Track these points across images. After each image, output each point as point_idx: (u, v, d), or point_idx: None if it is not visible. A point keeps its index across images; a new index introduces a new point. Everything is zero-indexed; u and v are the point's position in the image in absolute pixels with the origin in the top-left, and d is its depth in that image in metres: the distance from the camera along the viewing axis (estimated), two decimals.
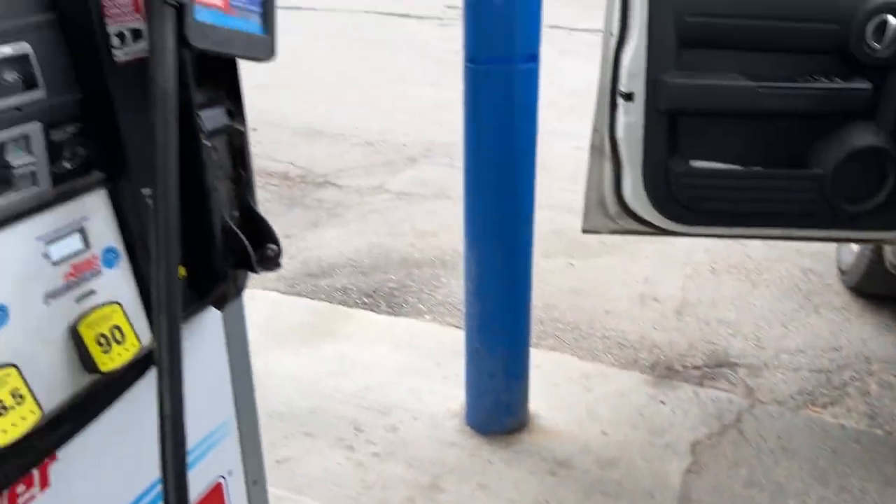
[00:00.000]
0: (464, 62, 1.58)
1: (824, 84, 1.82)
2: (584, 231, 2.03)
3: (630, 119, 1.83)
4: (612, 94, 1.83)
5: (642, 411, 2.09)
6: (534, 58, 1.55)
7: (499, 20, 1.48)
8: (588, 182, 1.94)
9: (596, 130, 1.88)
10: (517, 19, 1.48)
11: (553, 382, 2.17)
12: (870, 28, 1.76)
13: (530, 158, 1.68)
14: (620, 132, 1.86)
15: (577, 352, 2.37)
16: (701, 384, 2.23)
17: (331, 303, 2.64)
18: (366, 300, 2.67)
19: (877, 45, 1.78)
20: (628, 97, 1.82)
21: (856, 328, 2.55)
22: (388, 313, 2.59)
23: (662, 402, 2.13)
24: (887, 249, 2.37)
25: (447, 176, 3.78)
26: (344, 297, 2.69)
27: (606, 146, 1.89)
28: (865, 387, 2.25)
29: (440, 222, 3.27)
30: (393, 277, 2.83)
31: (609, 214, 1.99)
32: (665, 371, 2.29)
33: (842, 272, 2.84)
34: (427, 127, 4.54)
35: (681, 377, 2.26)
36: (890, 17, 1.74)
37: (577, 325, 2.51)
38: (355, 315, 2.55)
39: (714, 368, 2.31)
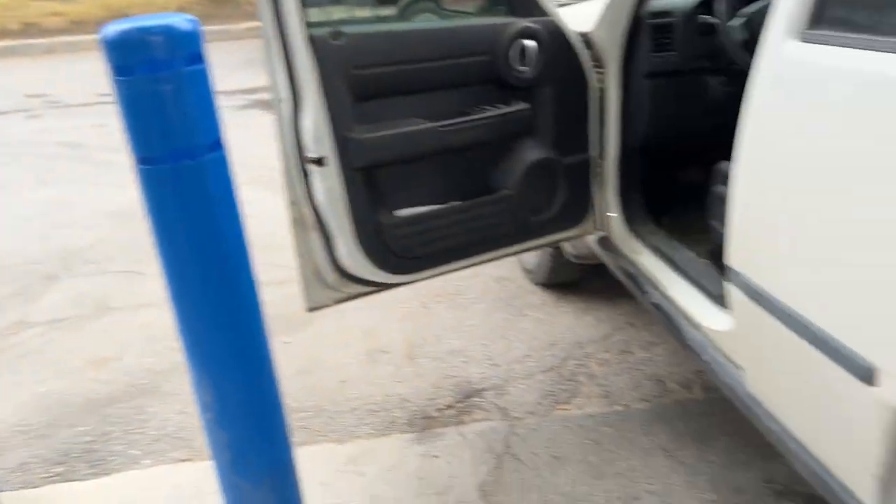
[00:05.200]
0: (136, 165, 1.30)
1: (493, 112, 1.91)
2: (310, 310, 1.87)
3: (328, 184, 1.72)
4: (301, 162, 1.69)
5: (421, 474, 1.99)
6: (218, 144, 1.34)
7: (172, 113, 1.24)
8: (300, 258, 1.79)
9: (293, 203, 1.73)
10: (192, 107, 1.26)
11: (322, 482, 1.95)
12: (513, 54, 1.89)
13: (242, 249, 1.46)
14: (320, 199, 1.73)
15: (333, 436, 2.17)
16: (461, 422, 2.20)
17: (11, 490, 2.05)
18: (57, 470, 2.14)
19: (523, 68, 1.92)
20: (319, 162, 1.71)
21: (560, 320, 2.77)
22: (94, 475, 2.10)
23: (436, 457, 2.05)
24: (565, 244, 2.61)
25: (102, 285, 3.26)
26: (26, 478, 2.11)
27: (309, 217, 1.75)
28: (590, 370, 2.44)
29: (117, 342, 2.79)
30: (83, 428, 2.31)
31: (330, 285, 1.86)
32: (424, 422, 2.21)
33: (528, 272, 3.09)
34: (55, 233, 3.90)
35: (440, 422, 2.21)
36: (526, 42, 1.89)
37: (320, 408, 2.31)
38: (48, 495, 2.02)
39: (465, 401, 2.31)
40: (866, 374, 1.09)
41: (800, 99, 1.25)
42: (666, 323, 1.92)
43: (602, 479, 1.93)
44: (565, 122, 2.06)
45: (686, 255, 2.03)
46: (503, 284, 3.08)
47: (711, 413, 2.16)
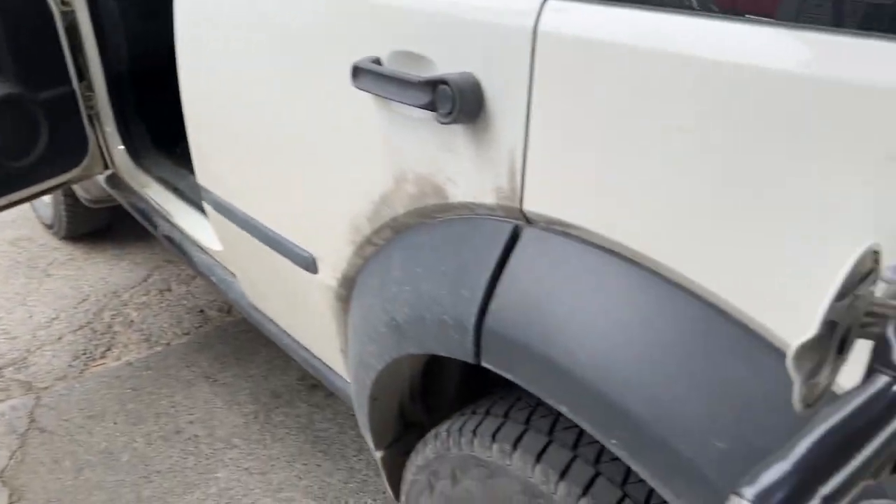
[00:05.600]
0: None
1: None
2: None
3: None
4: None
5: None
6: None
7: None
8: None
9: None
10: None
11: None
12: None
13: None
14: None
15: None
16: None
17: None
18: None
19: None
20: None
21: (91, 271, 2.55)
22: None
23: None
24: (77, 188, 2.38)
25: None
26: None
27: None
28: (127, 318, 2.31)
29: None
30: None
31: None
32: None
33: (49, 227, 2.76)
34: None
35: None
36: None
37: None
38: None
39: None
40: (310, 265, 1.19)
41: (199, 14, 1.24)
42: (178, 253, 1.89)
43: (142, 424, 1.87)
44: (28, 52, 1.82)
45: (191, 181, 2.00)
46: (20, 246, 2.71)
47: (250, 330, 2.23)
